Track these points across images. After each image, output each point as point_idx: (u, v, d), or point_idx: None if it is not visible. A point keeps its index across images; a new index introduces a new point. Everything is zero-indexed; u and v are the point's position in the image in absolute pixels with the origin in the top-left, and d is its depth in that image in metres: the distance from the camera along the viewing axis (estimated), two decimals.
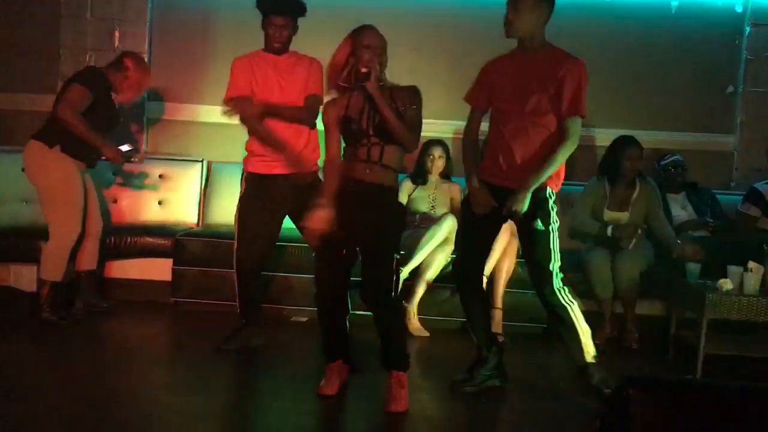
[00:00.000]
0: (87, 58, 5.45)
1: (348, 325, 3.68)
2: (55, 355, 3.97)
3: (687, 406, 1.82)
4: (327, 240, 3.34)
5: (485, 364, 3.63)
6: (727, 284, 3.95)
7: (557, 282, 3.46)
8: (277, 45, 3.89)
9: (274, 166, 3.90)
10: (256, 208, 3.91)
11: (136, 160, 4.73)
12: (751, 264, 3.97)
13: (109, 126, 4.45)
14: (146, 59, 5.47)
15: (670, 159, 4.97)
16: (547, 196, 3.44)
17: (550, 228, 3.42)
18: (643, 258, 4.56)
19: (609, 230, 4.55)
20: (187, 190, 5.39)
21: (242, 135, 5.35)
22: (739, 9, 5.30)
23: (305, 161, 3.97)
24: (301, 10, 3.92)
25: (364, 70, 3.21)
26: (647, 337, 4.57)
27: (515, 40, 3.49)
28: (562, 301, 3.46)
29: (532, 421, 3.43)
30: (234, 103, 3.87)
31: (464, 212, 3.65)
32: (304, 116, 3.90)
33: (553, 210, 3.44)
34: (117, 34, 5.46)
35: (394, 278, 3.36)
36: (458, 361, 4.05)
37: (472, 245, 3.64)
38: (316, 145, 4.00)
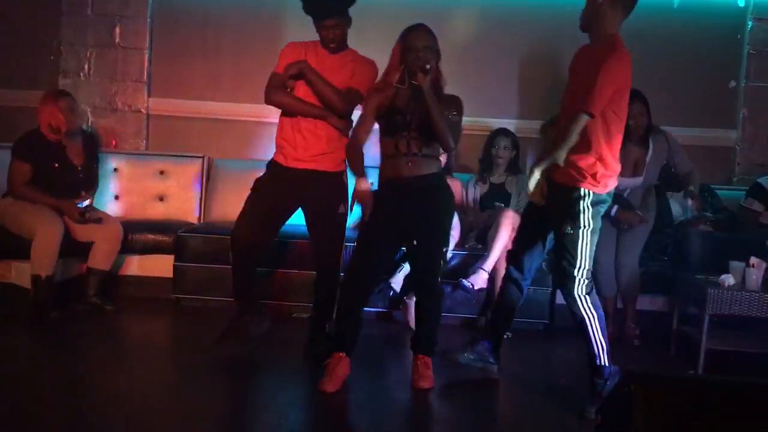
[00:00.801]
0: (88, 54, 5.46)
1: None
2: (55, 351, 3.97)
3: (688, 402, 1.82)
4: (375, 236, 3.51)
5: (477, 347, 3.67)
6: (729, 280, 3.95)
7: (578, 289, 3.32)
8: (332, 45, 3.71)
9: (298, 160, 3.75)
10: (267, 191, 3.79)
11: (93, 217, 4.59)
12: (753, 260, 3.97)
13: (58, 185, 4.53)
14: (147, 55, 5.49)
15: None
16: (580, 195, 3.29)
17: (580, 232, 3.29)
18: (640, 245, 4.54)
19: (614, 210, 4.43)
20: (188, 187, 5.39)
21: (243, 131, 5.35)
22: (741, 3, 5.28)
23: (329, 160, 3.79)
24: (351, 2, 3.70)
25: (427, 66, 3.34)
26: (649, 333, 4.56)
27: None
28: (582, 311, 3.34)
29: (533, 416, 3.43)
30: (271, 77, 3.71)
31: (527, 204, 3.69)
32: (336, 99, 3.64)
33: (583, 212, 3.28)
34: (118, 30, 5.45)
35: (441, 268, 3.54)
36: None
37: (520, 236, 3.70)
38: (342, 147, 3.79)
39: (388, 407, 3.52)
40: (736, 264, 4.00)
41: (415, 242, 3.56)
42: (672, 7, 5.27)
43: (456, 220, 4.63)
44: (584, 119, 3.20)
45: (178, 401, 3.36)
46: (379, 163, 3.62)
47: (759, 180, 4.99)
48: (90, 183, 4.77)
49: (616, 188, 4.27)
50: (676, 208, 4.92)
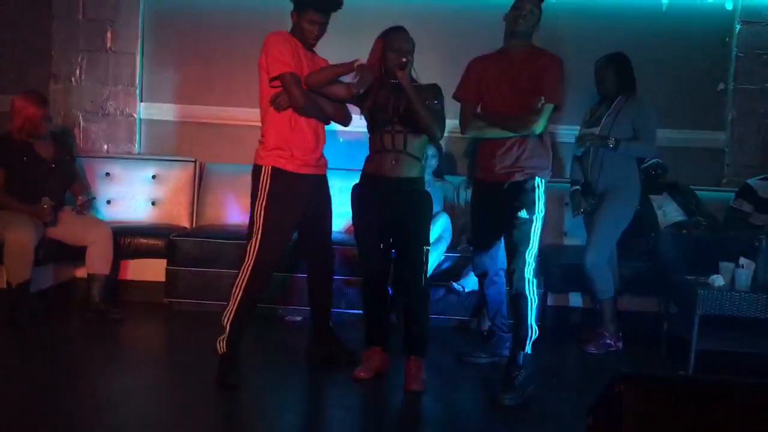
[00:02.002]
0: (79, 59, 5.45)
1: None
2: (48, 354, 3.96)
3: (679, 403, 1.83)
4: (366, 234, 3.64)
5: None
6: (719, 280, 3.97)
7: (528, 271, 3.51)
8: (312, 41, 3.59)
9: (308, 165, 3.61)
10: (287, 208, 3.55)
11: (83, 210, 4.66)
12: (743, 260, 3.99)
13: (30, 180, 4.50)
14: (138, 59, 5.49)
15: (650, 162, 4.92)
16: (536, 185, 3.55)
17: (534, 217, 3.53)
18: (604, 237, 4.39)
19: (571, 188, 4.57)
20: (180, 191, 5.39)
21: (235, 135, 5.31)
22: (729, 7, 5.31)
23: (325, 163, 3.76)
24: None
25: (403, 60, 3.43)
26: (640, 333, 4.57)
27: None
28: (527, 291, 3.52)
29: (525, 416, 3.45)
30: (288, 78, 3.45)
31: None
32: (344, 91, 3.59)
33: (539, 200, 3.55)
34: (109, 35, 5.45)
35: (424, 269, 3.57)
36: (454, 357, 4.07)
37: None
38: None
39: (381, 409, 3.54)
40: (726, 264, 4.02)
41: (391, 240, 3.65)
42: (661, 11, 5.31)
43: (448, 223, 4.66)
44: (551, 109, 3.51)
45: (170, 405, 3.36)
46: (366, 156, 3.68)
47: (748, 181, 5.01)
48: (67, 176, 4.75)
49: (579, 140, 4.50)
50: (658, 211, 4.91)
